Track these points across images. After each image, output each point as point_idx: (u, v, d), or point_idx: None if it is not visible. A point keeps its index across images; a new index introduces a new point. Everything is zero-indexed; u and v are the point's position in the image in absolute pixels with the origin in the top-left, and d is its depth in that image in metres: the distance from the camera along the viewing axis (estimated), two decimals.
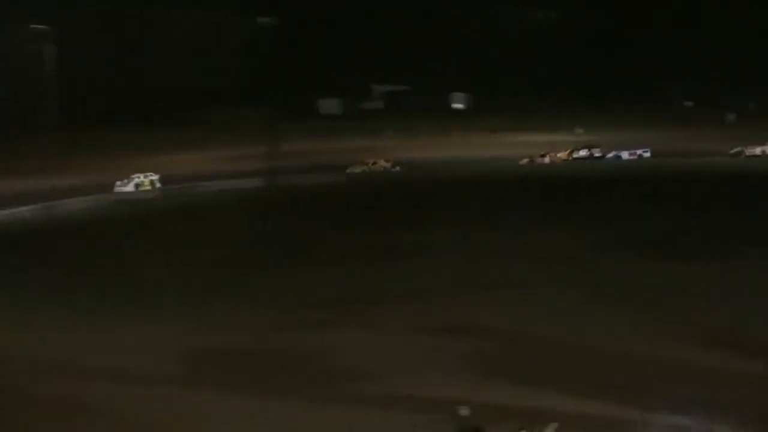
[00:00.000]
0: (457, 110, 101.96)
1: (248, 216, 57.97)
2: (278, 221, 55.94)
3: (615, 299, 36.22)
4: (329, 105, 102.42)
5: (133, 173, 67.22)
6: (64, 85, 63.05)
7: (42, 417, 24.45)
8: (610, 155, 78.41)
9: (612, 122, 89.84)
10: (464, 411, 21.22)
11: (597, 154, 79.06)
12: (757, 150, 77.71)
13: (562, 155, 78.63)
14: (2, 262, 46.53)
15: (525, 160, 76.31)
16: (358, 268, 43.22)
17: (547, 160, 76.23)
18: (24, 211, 58.48)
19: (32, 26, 54.75)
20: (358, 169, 74.42)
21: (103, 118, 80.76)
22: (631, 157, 78.08)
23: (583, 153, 79.29)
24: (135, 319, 35.67)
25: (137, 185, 66.25)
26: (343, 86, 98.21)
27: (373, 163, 75.16)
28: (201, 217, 57.91)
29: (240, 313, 36.33)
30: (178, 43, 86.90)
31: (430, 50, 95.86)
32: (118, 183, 64.96)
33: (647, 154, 78.67)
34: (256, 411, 24.85)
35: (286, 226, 54.17)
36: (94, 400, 26.17)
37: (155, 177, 68.37)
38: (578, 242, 47.27)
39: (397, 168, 75.21)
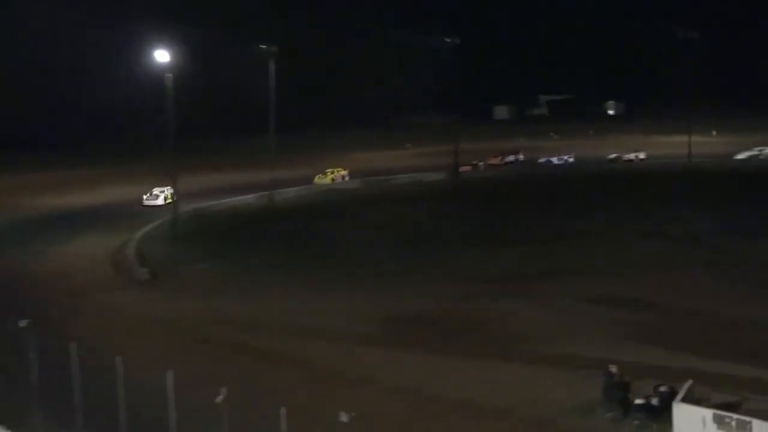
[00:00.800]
0: (611, 116, 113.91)
1: (434, 203, 62.64)
2: (460, 208, 61.20)
3: (756, 279, 38.01)
4: (501, 111, 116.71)
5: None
6: (295, 96, 70.88)
7: (269, 368, 28.61)
8: (542, 160, 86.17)
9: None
10: (613, 368, 24.11)
11: (521, 158, 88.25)
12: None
13: (494, 161, 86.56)
14: (235, 238, 53.78)
15: (467, 167, 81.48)
16: (530, 248, 47.10)
17: (482, 164, 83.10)
18: (250, 197, 66.11)
19: (261, 46, 61.65)
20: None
21: (325, 123, 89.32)
22: (559, 162, 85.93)
23: (511, 158, 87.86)
24: (342, 288, 39.66)
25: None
26: (515, 95, 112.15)
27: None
28: (395, 203, 63.32)
29: (430, 284, 39.67)
30: (386, 61, 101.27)
31: (590, 63, 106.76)
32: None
33: (572, 160, 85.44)
34: (446, 367, 28.44)
35: (466, 212, 58.77)
36: (313, 356, 29.77)
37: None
38: (719, 228, 50.51)
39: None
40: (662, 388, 24.12)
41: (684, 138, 73.34)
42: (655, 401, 23.86)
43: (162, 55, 51.54)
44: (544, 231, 51.44)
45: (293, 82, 72.62)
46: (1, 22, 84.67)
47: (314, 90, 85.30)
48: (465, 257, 45.47)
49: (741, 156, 78.75)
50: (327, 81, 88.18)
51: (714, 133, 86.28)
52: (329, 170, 76.22)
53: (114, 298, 39.98)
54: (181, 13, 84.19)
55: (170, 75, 50.04)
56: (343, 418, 16.19)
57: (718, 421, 22.91)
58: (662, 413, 23.33)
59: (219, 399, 17.51)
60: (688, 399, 23.74)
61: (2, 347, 22.59)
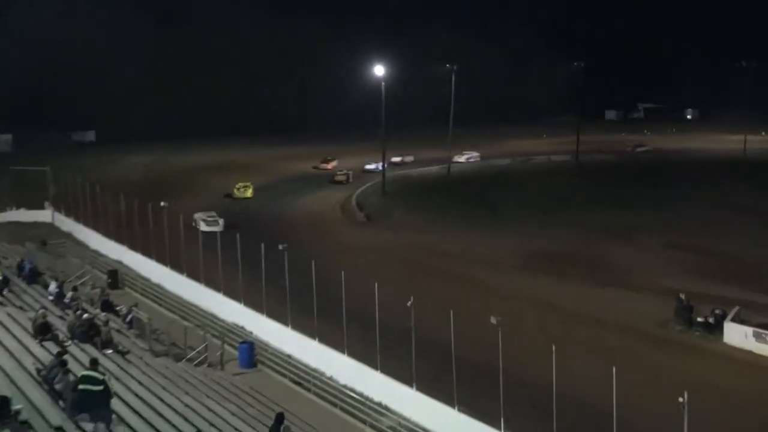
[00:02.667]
0: (689, 119, 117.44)
1: (561, 178, 64.00)
2: (580, 181, 61.96)
3: None
4: (610, 114, 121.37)
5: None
6: (469, 100, 76.17)
7: (446, 283, 31.31)
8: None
9: None
10: (682, 295, 27.05)
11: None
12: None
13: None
14: (425, 195, 56.48)
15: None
16: (629, 210, 48.73)
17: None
18: (432, 169, 68.62)
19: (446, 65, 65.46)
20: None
21: (490, 119, 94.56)
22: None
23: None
24: (500, 232, 43.60)
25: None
26: (620, 103, 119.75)
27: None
28: (532, 177, 64.60)
29: (558, 232, 42.99)
30: (533, 76, 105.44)
31: (675, 79, 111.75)
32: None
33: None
34: (568, 289, 31.55)
35: (584, 184, 59.84)
36: (477, 276, 33.36)
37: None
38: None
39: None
40: (717, 311, 26.74)
41: (742, 136, 72.63)
42: (711, 320, 26.56)
43: (379, 70, 57.60)
44: (638, 198, 53.24)
45: (470, 90, 78.37)
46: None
47: (482, 96, 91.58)
48: (583, 215, 47.43)
49: None
50: (491, 89, 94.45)
51: (763, 133, 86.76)
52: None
53: (341, 232, 45.37)
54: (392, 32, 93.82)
55: (383, 83, 56.60)
56: (493, 320, 17.60)
57: (757, 336, 25.30)
58: (716, 329, 26.28)
59: (409, 303, 19.15)
60: (735, 319, 26.49)
61: (271, 264, 25.11)
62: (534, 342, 21.71)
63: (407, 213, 50.27)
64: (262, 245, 25.11)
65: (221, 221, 40.20)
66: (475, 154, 74.93)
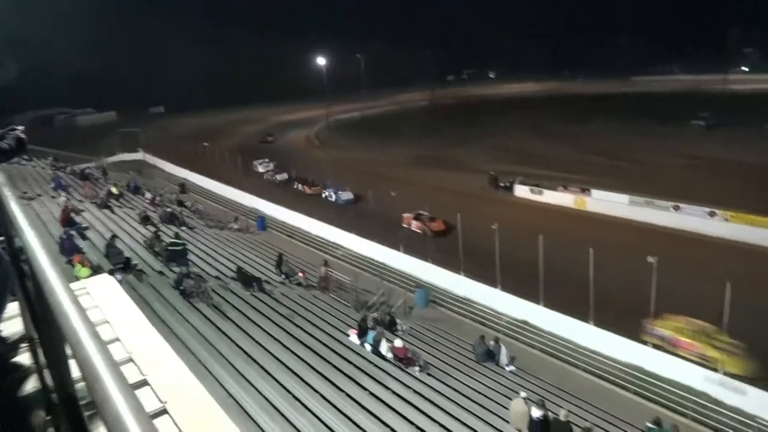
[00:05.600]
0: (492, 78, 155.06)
1: (425, 114, 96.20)
2: (436, 115, 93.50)
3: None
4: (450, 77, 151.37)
5: None
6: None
7: (372, 179, 51.03)
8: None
9: None
10: (492, 172, 47.04)
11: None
12: None
13: None
14: (348, 132, 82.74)
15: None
16: (467, 129, 74.38)
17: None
18: (354, 115, 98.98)
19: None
20: None
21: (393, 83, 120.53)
22: None
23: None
24: (392, 148, 64.71)
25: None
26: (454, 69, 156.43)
27: None
28: (411, 114, 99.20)
29: (426, 144, 65.68)
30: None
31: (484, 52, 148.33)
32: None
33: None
34: (435, 174, 50.15)
35: (439, 116, 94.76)
36: (385, 172, 51.70)
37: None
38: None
39: None
40: (511, 180, 44.25)
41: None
42: (508, 184, 43.99)
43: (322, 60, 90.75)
44: (471, 122, 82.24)
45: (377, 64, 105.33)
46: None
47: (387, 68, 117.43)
48: (437, 133, 74.03)
49: None
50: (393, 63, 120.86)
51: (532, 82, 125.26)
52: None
53: (308, 152, 67.76)
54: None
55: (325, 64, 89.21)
56: (393, 193, 35.74)
57: (532, 191, 42.31)
58: (510, 189, 44.13)
59: (394, 194, 42.36)
60: (520, 183, 43.67)
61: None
62: (413, 201, 37.43)
63: (342, 139, 74.21)
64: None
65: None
66: (382, 102, 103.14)
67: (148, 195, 38.70)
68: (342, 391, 14.65)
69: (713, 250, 30.14)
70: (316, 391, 14.37)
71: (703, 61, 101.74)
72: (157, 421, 2.51)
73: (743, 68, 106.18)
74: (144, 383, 2.79)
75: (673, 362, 20.20)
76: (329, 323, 20.64)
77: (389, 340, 18.85)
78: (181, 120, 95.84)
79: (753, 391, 18.04)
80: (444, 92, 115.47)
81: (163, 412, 2.59)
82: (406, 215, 36.76)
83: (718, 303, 18.78)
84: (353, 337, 19.28)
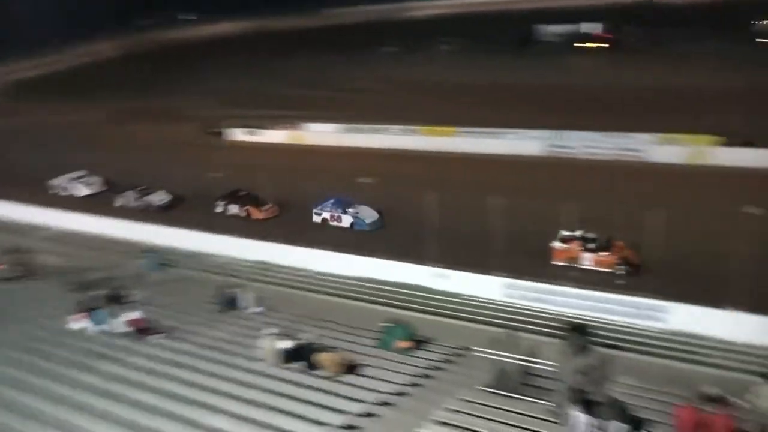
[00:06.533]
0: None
1: None
2: None
3: None
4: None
5: None
6: None
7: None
8: None
9: None
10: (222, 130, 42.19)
11: None
12: None
13: None
14: None
15: None
16: None
17: None
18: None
19: None
20: None
21: None
22: None
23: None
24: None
25: None
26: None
27: None
28: None
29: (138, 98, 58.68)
30: None
31: None
32: None
33: None
34: (149, 128, 46.81)
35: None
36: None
37: None
38: None
39: None
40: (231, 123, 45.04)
41: None
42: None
43: None
44: None
45: None
46: None
47: None
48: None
49: None
50: None
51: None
52: None
53: None
54: None
55: None
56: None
57: (246, 133, 43.07)
58: (224, 136, 44.42)
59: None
60: (236, 126, 43.88)
61: None
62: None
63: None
64: None
65: None
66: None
67: None
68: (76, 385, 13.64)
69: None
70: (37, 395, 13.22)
71: None
72: None
73: None
74: None
75: (397, 267, 22.22)
76: (45, 315, 18.79)
77: (124, 315, 17.63)
78: None
79: (455, 275, 21.30)
80: (140, 39, 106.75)
81: None
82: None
83: None
84: (76, 323, 17.69)
